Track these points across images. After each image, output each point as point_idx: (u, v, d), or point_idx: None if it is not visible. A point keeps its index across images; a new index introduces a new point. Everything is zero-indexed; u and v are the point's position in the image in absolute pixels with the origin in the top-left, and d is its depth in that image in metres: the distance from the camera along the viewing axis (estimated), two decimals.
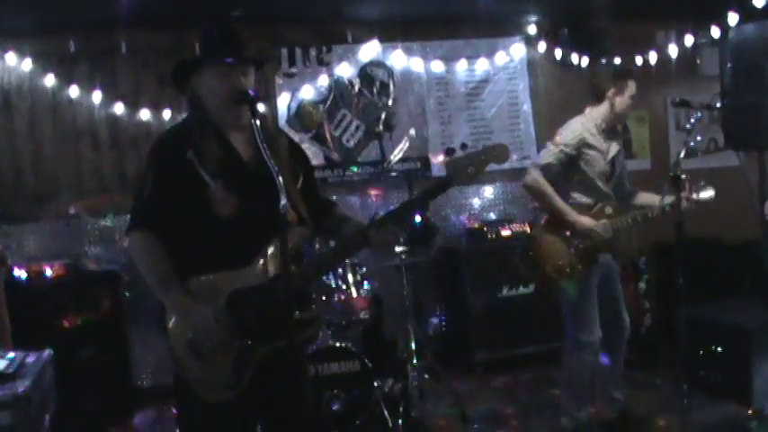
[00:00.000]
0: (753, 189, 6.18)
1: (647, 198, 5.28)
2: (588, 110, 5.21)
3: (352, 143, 7.73)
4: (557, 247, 5.00)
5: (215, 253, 3.09)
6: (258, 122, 2.98)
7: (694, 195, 5.05)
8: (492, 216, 8.04)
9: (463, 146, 2.97)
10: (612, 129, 5.21)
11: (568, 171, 5.06)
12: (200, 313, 3.02)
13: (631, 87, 5.14)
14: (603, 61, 7.87)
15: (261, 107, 3.14)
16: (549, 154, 5.03)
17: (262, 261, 3.10)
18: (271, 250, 3.07)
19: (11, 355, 4.17)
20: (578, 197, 5.09)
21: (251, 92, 3.10)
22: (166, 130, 3.39)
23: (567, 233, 5.00)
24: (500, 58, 8.08)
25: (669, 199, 4.83)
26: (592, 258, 5.01)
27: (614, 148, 5.20)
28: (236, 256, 3.09)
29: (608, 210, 5.08)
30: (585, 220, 4.98)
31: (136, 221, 3.17)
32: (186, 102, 3.29)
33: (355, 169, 7.55)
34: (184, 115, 3.36)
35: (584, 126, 5.10)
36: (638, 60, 7.94)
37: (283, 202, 2.82)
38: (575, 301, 5.04)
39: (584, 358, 5.13)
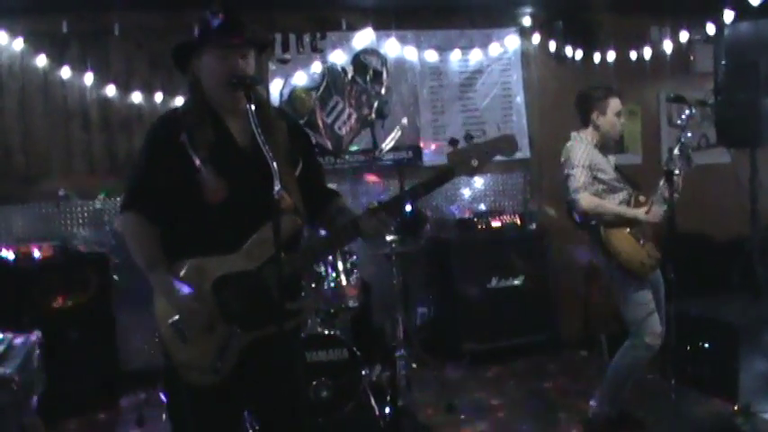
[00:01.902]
0: (743, 186, 6.19)
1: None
2: (575, 134, 5.32)
3: (344, 131, 7.70)
4: (631, 242, 5.09)
5: (205, 237, 3.09)
6: (253, 107, 2.95)
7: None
8: (482, 207, 8.03)
9: (468, 137, 2.90)
10: (605, 145, 5.33)
11: (594, 185, 5.15)
12: (182, 296, 3.02)
13: (614, 105, 5.22)
14: (598, 56, 7.87)
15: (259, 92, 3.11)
16: (579, 175, 5.11)
17: (251, 247, 3.08)
18: (261, 236, 3.05)
19: None
20: (611, 200, 5.18)
21: (248, 76, 3.08)
22: (165, 112, 3.37)
23: (632, 231, 5.10)
24: (494, 49, 8.06)
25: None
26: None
27: (612, 159, 5.36)
28: (225, 240, 3.07)
29: (641, 198, 5.21)
30: (645, 210, 5.09)
31: (128, 202, 3.17)
32: (187, 84, 3.27)
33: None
34: (176, 99, 3.33)
35: (583, 144, 5.22)
36: (633, 55, 7.94)
37: (277, 188, 2.79)
38: (640, 301, 5.11)
39: (641, 360, 5.18)
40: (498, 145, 3.22)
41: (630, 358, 5.17)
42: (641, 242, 5.09)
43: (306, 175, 3.33)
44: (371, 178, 7.57)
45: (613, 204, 5.13)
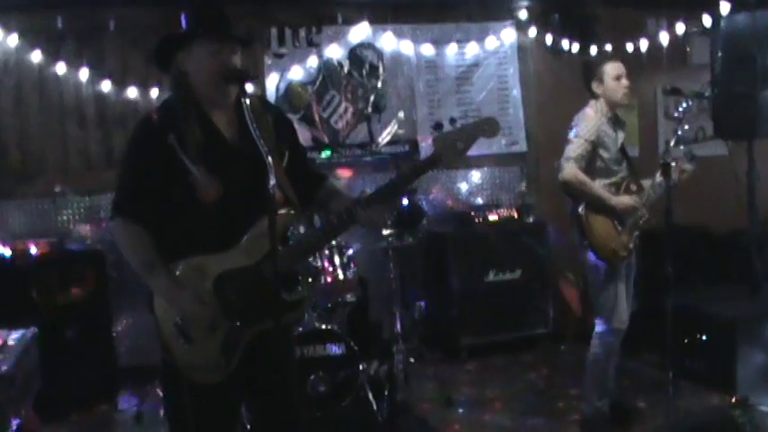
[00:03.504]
0: (740, 179, 6.18)
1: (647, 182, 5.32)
2: (593, 102, 5.24)
3: (340, 125, 7.69)
4: (608, 229, 5.08)
5: (201, 236, 3.07)
6: (248, 101, 2.94)
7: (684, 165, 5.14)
8: (479, 201, 8.03)
9: (452, 120, 2.89)
10: (617, 117, 5.27)
11: (591, 160, 5.11)
12: (186, 297, 3.01)
13: (609, 70, 5.17)
14: (595, 49, 7.84)
15: (249, 86, 3.09)
16: (577, 146, 5.07)
17: (248, 242, 3.08)
18: (258, 230, 3.05)
19: None
20: (600, 182, 5.13)
21: (243, 70, 3.07)
22: (147, 113, 3.32)
23: (612, 218, 5.09)
24: (490, 42, 8.04)
25: (659, 178, 4.95)
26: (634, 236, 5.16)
27: (621, 135, 5.27)
28: (222, 238, 3.07)
29: (632, 186, 5.19)
30: (624, 199, 5.09)
31: (118, 208, 3.14)
32: (170, 79, 3.24)
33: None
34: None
35: (597, 116, 5.15)
36: (629, 48, 7.91)
37: (272, 181, 2.77)
38: (610, 288, 5.13)
39: (612, 345, 5.22)
40: (481, 126, 3.23)
41: (603, 345, 5.21)
42: (619, 230, 5.09)
43: (293, 163, 3.32)
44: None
45: (596, 186, 5.08)
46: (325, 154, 7.56)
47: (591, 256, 5.13)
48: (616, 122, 5.25)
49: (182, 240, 3.08)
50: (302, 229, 5.55)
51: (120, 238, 3.14)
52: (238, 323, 3.06)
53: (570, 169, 5.02)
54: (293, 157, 3.34)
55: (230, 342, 3.07)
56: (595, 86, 5.18)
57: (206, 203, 3.04)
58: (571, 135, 5.14)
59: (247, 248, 3.07)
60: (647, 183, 5.20)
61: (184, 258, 3.07)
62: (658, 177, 4.98)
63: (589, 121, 5.12)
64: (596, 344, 5.24)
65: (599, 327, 5.22)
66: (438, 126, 3.24)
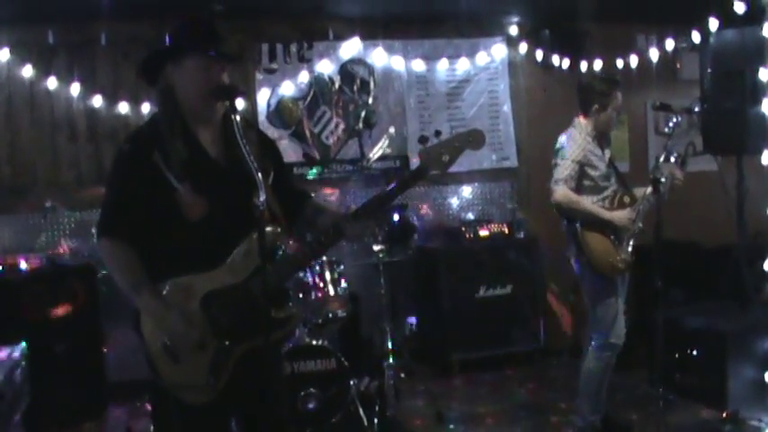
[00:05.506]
0: (730, 194, 6.20)
1: (638, 191, 5.32)
2: (577, 120, 5.28)
3: (331, 140, 7.70)
4: (605, 244, 5.10)
5: (187, 255, 3.05)
6: (238, 118, 2.93)
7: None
8: (470, 216, 8.03)
9: (437, 133, 2.89)
10: (603, 136, 5.30)
11: (580, 179, 5.15)
12: (173, 317, 2.99)
13: (614, 102, 5.20)
14: (585, 65, 7.87)
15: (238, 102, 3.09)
16: (565, 168, 5.10)
17: (235, 260, 3.06)
18: (244, 248, 3.04)
19: None
20: (591, 199, 5.16)
21: (234, 87, 3.07)
22: (133, 131, 3.31)
23: (608, 233, 5.11)
24: (481, 58, 8.07)
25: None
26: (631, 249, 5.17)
27: (608, 151, 5.32)
28: (209, 256, 3.05)
29: (626, 199, 5.20)
30: (620, 214, 5.11)
31: (104, 228, 3.11)
32: (157, 92, 3.22)
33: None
34: None
35: (582, 136, 5.18)
36: (619, 63, 7.96)
37: (262, 198, 2.77)
38: (608, 303, 5.15)
39: (609, 360, 5.22)
40: (467, 139, 3.25)
41: (600, 360, 5.22)
42: (616, 244, 5.10)
43: (279, 181, 3.32)
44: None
45: (588, 203, 5.12)
46: (313, 172, 7.55)
47: (588, 272, 5.14)
48: (602, 140, 5.28)
49: (168, 259, 3.06)
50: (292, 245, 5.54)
51: (107, 258, 3.11)
52: (227, 342, 3.05)
53: (561, 191, 5.06)
54: (278, 175, 3.34)
55: (219, 361, 3.05)
56: (595, 110, 5.19)
57: (191, 221, 3.03)
58: (558, 158, 5.16)
59: (234, 267, 3.06)
60: (638, 191, 5.22)
61: (171, 277, 3.05)
62: (649, 190, 5.00)
63: (575, 143, 5.15)
64: (593, 358, 5.24)
65: (596, 341, 5.22)
66: (423, 139, 3.23)
